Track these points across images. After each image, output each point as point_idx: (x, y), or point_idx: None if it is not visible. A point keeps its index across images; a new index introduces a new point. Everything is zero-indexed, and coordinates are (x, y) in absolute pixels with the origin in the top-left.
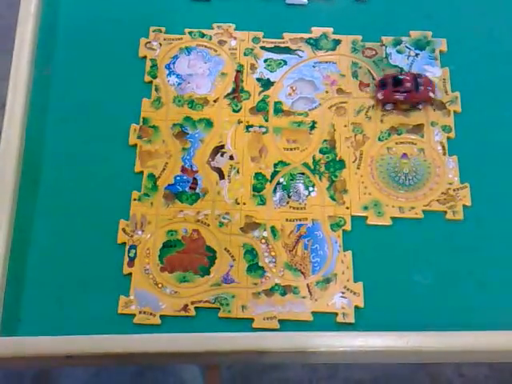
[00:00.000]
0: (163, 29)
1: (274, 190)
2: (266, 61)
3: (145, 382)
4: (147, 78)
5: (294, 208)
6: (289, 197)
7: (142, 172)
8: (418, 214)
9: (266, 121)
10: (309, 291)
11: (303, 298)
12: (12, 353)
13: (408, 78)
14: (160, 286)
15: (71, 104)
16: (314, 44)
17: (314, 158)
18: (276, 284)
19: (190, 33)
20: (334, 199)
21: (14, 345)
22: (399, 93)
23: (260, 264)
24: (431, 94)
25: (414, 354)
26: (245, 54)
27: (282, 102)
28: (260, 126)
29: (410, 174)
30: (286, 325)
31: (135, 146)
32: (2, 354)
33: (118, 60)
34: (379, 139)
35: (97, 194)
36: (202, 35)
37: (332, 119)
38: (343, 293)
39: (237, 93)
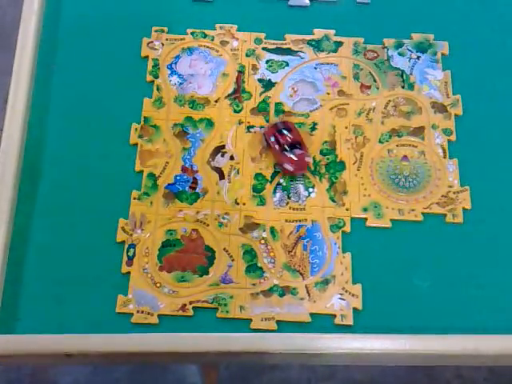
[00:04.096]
0: (165, 29)
1: (274, 191)
2: (267, 62)
3: (143, 379)
4: (149, 78)
5: (293, 209)
6: (288, 198)
7: (142, 171)
8: (418, 217)
9: (267, 121)
10: (307, 292)
11: (301, 299)
12: (10, 351)
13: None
14: (158, 285)
15: (73, 102)
16: (316, 45)
17: (314, 159)
18: (274, 285)
19: (192, 33)
20: (333, 201)
21: (13, 343)
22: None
23: (259, 264)
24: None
25: (413, 357)
26: (247, 55)
27: (283, 103)
28: (261, 127)
29: (410, 176)
30: (284, 326)
31: (136, 145)
32: (1, 351)
33: (120, 59)
34: (380, 141)
35: (97, 192)
36: (204, 35)
37: (333, 121)
38: (342, 294)
39: (238, 93)
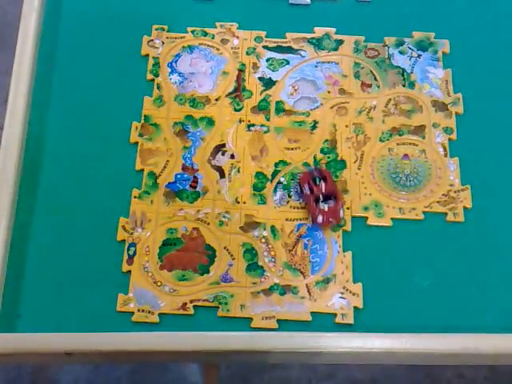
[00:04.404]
0: (166, 27)
1: (275, 190)
2: (268, 60)
3: (144, 378)
4: (149, 76)
5: (294, 208)
6: (289, 196)
7: (142, 170)
8: (419, 216)
9: (268, 120)
10: (308, 291)
11: (302, 298)
12: (11, 349)
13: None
14: (159, 284)
15: (73, 101)
16: (317, 44)
17: (314, 157)
18: (275, 284)
19: (192, 31)
20: None
21: (13, 341)
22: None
23: (259, 263)
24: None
25: (413, 355)
26: (247, 53)
27: (283, 101)
28: (261, 126)
29: (410, 175)
30: (285, 325)
31: (136, 143)
32: (1, 349)
33: (121, 58)
34: (380, 140)
35: (97, 191)
36: (205, 34)
37: (333, 119)
38: (342, 293)
39: (238, 92)
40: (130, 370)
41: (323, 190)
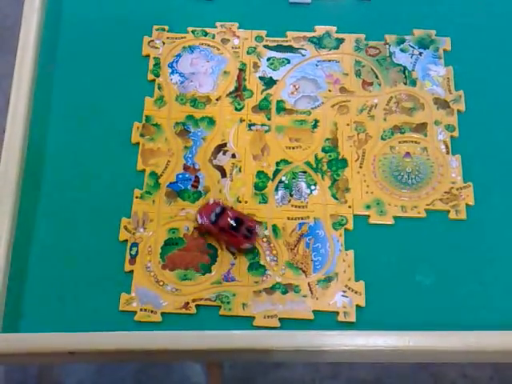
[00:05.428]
0: (166, 27)
1: (276, 189)
2: (268, 59)
3: (147, 379)
4: (150, 77)
5: (295, 206)
6: (291, 195)
7: (144, 170)
8: (421, 214)
9: (269, 119)
10: (310, 290)
11: (304, 296)
12: (14, 349)
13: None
14: (161, 283)
15: (74, 102)
16: (317, 43)
17: (316, 156)
18: (277, 282)
19: (193, 31)
20: (336, 198)
21: (17, 341)
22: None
23: (261, 262)
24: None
25: (416, 353)
26: (248, 53)
27: (284, 100)
28: (262, 125)
29: (412, 173)
30: (287, 323)
31: (138, 144)
32: (5, 350)
33: (122, 58)
34: (382, 138)
35: (99, 191)
36: (205, 34)
37: (335, 118)
38: (344, 292)
39: (239, 91)
40: (135, 371)
41: (231, 219)
